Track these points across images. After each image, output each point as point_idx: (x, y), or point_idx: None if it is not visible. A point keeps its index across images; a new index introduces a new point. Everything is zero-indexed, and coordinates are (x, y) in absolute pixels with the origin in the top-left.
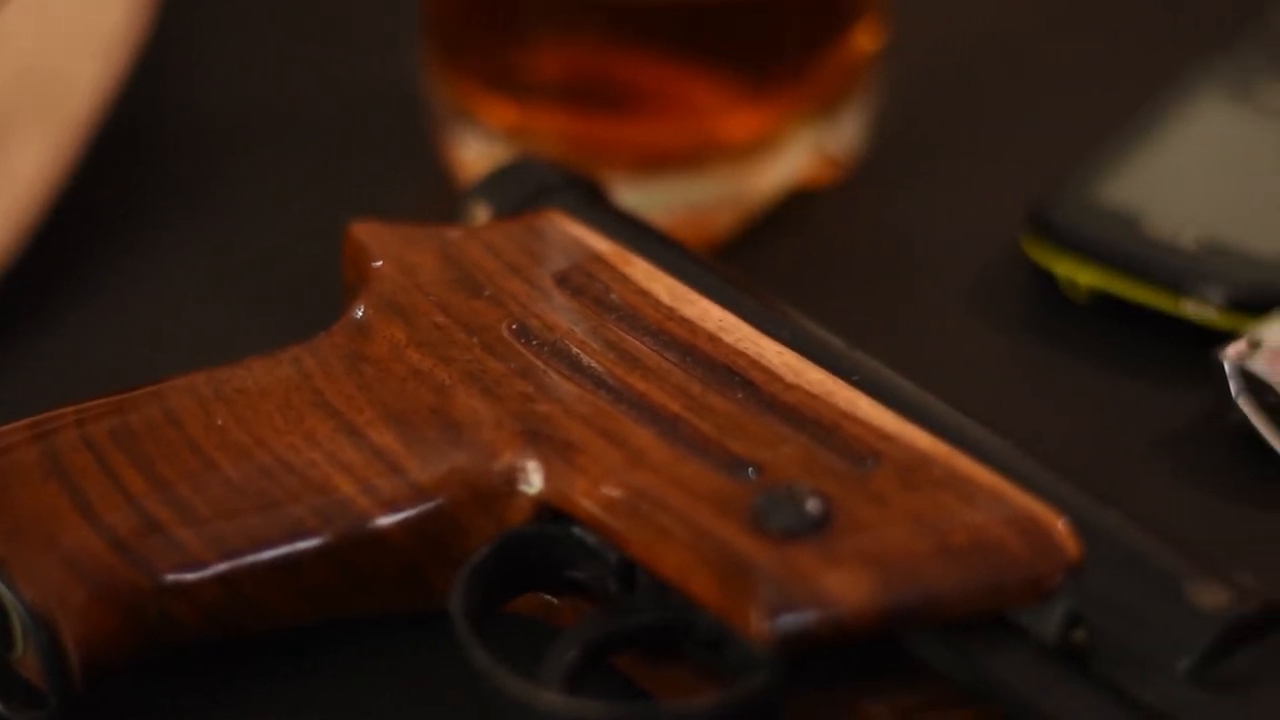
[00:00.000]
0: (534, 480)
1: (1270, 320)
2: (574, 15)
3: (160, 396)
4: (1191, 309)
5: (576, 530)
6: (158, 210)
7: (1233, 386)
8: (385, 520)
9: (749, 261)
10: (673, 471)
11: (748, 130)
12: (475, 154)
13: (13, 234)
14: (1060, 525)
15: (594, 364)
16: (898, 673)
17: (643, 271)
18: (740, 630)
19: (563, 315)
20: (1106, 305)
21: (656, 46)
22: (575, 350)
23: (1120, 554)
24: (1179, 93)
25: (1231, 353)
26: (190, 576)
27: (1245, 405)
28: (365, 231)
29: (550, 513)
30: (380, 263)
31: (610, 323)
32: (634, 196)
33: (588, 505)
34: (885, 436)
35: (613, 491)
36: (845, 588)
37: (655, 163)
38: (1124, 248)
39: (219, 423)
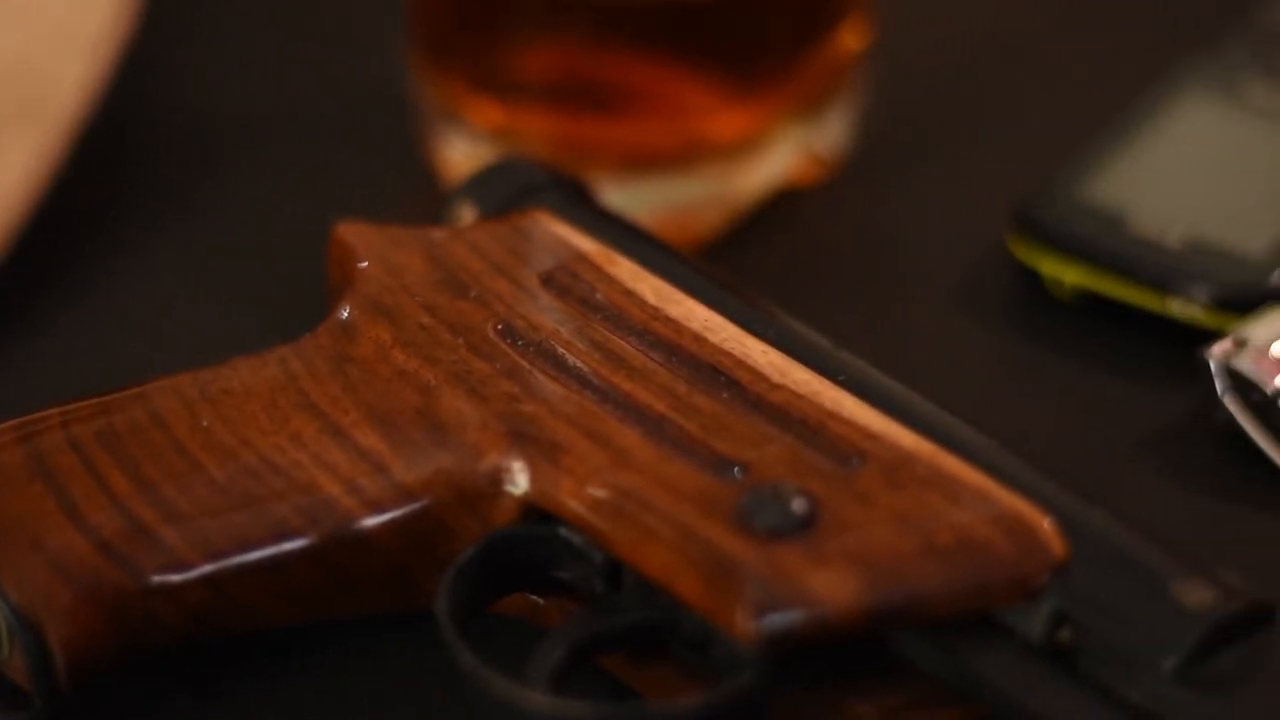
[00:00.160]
0: (519, 481)
1: (1256, 319)
2: (559, 16)
3: (145, 398)
4: (1177, 308)
5: (562, 531)
6: (144, 211)
7: (1218, 385)
8: (371, 521)
9: (735, 261)
10: (658, 471)
11: (734, 130)
12: (461, 154)
13: None
14: (1046, 524)
15: (579, 364)
16: (883, 672)
17: (628, 271)
18: (726, 630)
19: (548, 315)
20: (1092, 304)
21: (642, 47)
22: (561, 350)
23: (1106, 553)
24: (1164, 91)
25: (1217, 351)
26: (176, 578)
27: (1231, 404)
28: (350, 232)
29: (536, 513)
30: (366, 263)
31: (596, 323)
32: (620, 196)
33: (573, 505)
34: (871, 436)
35: (598, 492)
36: (831, 587)
37: (641, 163)
38: (1109, 247)
39: (204, 424)
